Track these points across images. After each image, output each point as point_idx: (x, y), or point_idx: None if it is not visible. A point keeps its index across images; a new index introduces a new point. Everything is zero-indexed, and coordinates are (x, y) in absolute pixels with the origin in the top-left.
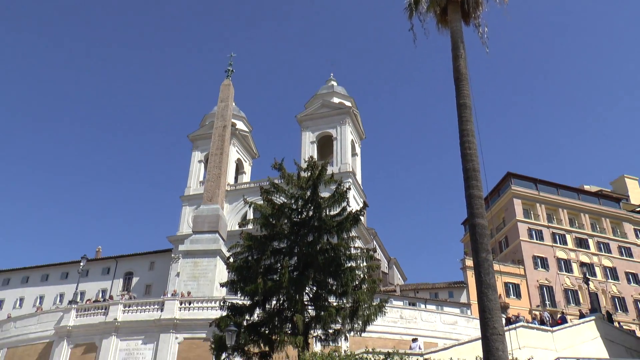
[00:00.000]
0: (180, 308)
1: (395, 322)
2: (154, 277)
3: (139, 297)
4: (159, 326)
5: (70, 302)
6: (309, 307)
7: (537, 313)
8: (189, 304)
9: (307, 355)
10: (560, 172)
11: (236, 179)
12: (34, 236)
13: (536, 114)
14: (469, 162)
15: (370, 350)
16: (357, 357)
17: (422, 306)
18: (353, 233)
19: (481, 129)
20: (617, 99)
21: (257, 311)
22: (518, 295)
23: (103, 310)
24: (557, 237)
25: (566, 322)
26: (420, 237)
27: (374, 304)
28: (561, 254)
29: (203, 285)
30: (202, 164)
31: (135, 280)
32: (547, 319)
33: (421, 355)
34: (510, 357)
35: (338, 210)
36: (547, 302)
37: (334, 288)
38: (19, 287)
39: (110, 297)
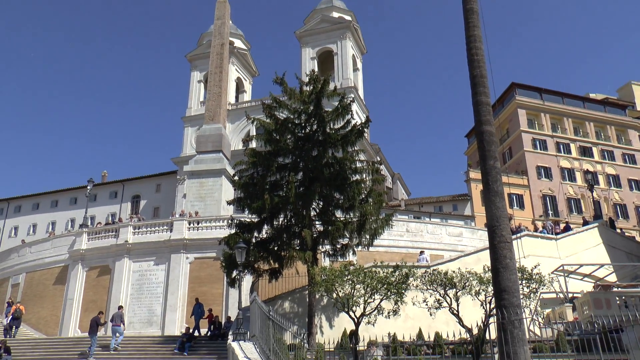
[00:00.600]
0: (189, 228)
1: (401, 235)
2: (161, 200)
3: (148, 220)
4: (169, 247)
5: (81, 226)
6: (317, 222)
7: (540, 223)
8: (197, 224)
9: (316, 270)
10: (566, 81)
11: (237, 98)
12: (41, 163)
13: (541, 22)
14: (476, 69)
15: (379, 263)
16: (365, 270)
17: (427, 220)
18: (357, 147)
19: (487, 38)
20: (624, 3)
21: (265, 228)
22: (521, 205)
23: (114, 233)
24: (562, 146)
25: (570, 230)
26: (424, 152)
27: (381, 217)
28: (565, 163)
29: (210, 205)
30: (202, 84)
31: (142, 203)
32: (550, 227)
33: (428, 267)
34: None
35: (342, 123)
36: (550, 212)
37: (340, 202)
38: (30, 213)
39: (120, 220)
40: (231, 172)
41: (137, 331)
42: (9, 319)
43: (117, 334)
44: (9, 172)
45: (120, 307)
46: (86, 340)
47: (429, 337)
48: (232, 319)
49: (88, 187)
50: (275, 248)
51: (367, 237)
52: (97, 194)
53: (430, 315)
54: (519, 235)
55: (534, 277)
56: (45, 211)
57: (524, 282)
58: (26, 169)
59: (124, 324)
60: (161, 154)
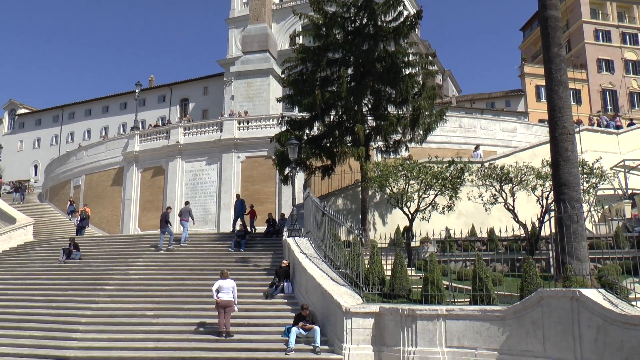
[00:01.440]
0: (239, 128)
1: (454, 131)
2: (209, 102)
3: (197, 121)
4: (220, 146)
5: (132, 129)
6: (369, 118)
7: (596, 118)
8: (247, 123)
9: (369, 165)
10: None
11: None
12: (91, 71)
13: None
14: None
15: (435, 157)
16: (420, 165)
17: (480, 115)
18: (409, 41)
19: None
20: None
21: (316, 125)
22: (578, 101)
23: (165, 135)
24: (628, 37)
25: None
26: (474, 48)
27: (434, 112)
28: (630, 55)
29: (258, 105)
30: None
31: (191, 106)
32: (606, 122)
33: (482, 162)
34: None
35: (393, 15)
36: (609, 107)
37: (392, 97)
38: (84, 119)
39: (169, 122)
40: (278, 71)
41: (194, 229)
42: (78, 219)
43: (185, 229)
44: (62, 80)
45: (187, 203)
46: (147, 237)
47: (481, 233)
48: (286, 216)
49: (136, 90)
50: (327, 144)
51: (421, 132)
52: (146, 98)
53: (486, 210)
54: (577, 129)
55: (594, 171)
56: (98, 117)
57: (583, 176)
58: (78, 76)
59: (192, 219)
60: (207, 57)
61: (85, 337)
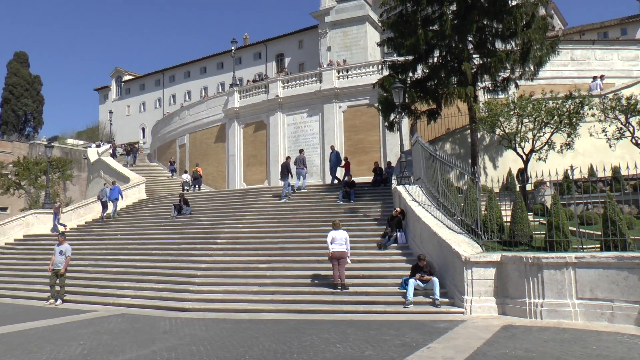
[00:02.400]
0: (339, 77)
1: (565, 65)
2: (305, 55)
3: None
4: (320, 97)
5: (231, 86)
6: (474, 56)
7: None
8: (347, 72)
9: (479, 105)
10: None
11: None
12: (188, 33)
13: None
14: None
15: (548, 93)
16: (533, 102)
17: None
18: None
19: None
20: None
21: (419, 67)
22: None
23: (264, 89)
24: None
25: None
26: None
27: (546, 43)
28: None
29: (356, 53)
30: None
31: (287, 60)
32: None
33: (601, 95)
34: None
35: None
36: None
37: (499, 31)
38: (183, 81)
39: (266, 77)
40: (375, 17)
41: (298, 182)
42: (190, 178)
43: (302, 177)
44: (162, 44)
45: (301, 151)
46: (253, 191)
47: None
48: (393, 164)
49: (232, 48)
50: (432, 87)
51: (531, 67)
52: (242, 56)
53: (610, 147)
54: None
55: None
56: (196, 78)
57: None
58: (176, 40)
59: (305, 167)
60: (299, 11)
61: (201, 290)
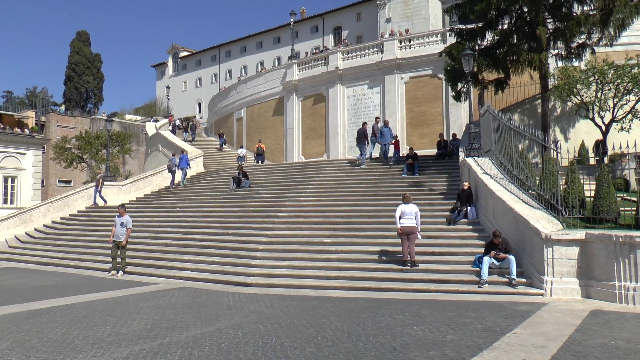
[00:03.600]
0: (401, 47)
1: None
2: (363, 28)
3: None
4: (382, 68)
5: (290, 58)
6: (547, 21)
7: None
8: (409, 42)
9: (553, 72)
10: None
11: None
12: (245, 7)
13: None
14: None
15: (634, 59)
16: (615, 67)
17: None
18: None
19: None
20: None
21: (488, 35)
22: None
23: (323, 61)
24: None
25: None
26: None
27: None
28: None
29: (417, 24)
30: None
31: (344, 34)
32: None
33: None
34: None
35: None
36: None
37: None
38: (239, 57)
39: (325, 48)
40: None
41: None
42: (245, 152)
43: (373, 145)
44: (218, 20)
45: (377, 119)
46: (313, 164)
47: None
48: (458, 136)
49: (291, 20)
50: (501, 55)
51: (611, 30)
52: (299, 30)
53: None
54: None
55: None
56: (253, 53)
57: None
58: (233, 15)
59: (391, 135)
60: None
61: (263, 264)
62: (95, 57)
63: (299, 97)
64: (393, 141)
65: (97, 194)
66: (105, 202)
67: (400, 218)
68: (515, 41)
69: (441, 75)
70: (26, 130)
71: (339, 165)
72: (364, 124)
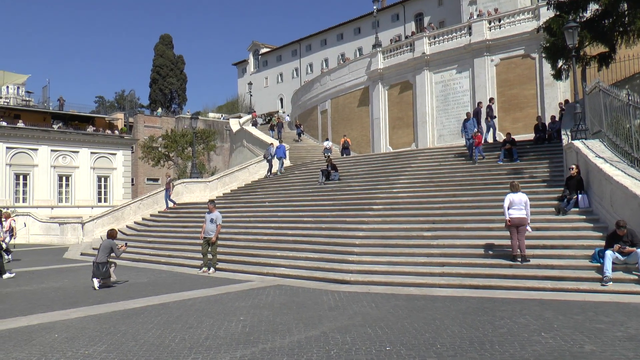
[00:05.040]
0: (490, 28)
1: None
2: (445, 12)
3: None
4: (470, 51)
5: (374, 47)
6: None
7: None
8: (499, 22)
9: None
10: None
11: None
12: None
13: None
14: None
15: None
16: None
17: None
18: None
19: None
20: None
21: (592, 5)
22: None
23: (409, 48)
24: None
25: None
26: None
27: None
28: None
29: (505, 3)
30: None
31: (426, 20)
32: None
33: None
34: None
35: None
36: None
37: None
38: (320, 50)
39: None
40: None
41: (448, 143)
42: (331, 145)
43: (492, 129)
44: (297, 14)
45: (479, 102)
46: (403, 154)
47: None
48: (556, 118)
49: (375, 7)
50: (607, 26)
51: None
52: (379, 19)
53: None
54: None
55: None
56: (333, 45)
57: None
58: (311, 8)
59: (475, 127)
60: None
61: (361, 260)
62: (178, 59)
63: (385, 86)
64: (475, 136)
65: (168, 197)
66: (175, 203)
67: (508, 208)
68: (628, 8)
69: (534, 55)
70: (116, 132)
71: (431, 155)
72: (479, 103)
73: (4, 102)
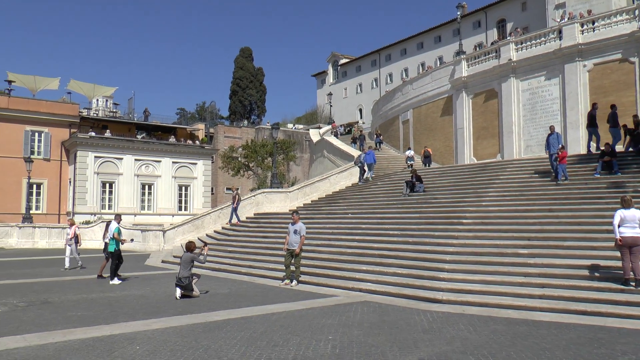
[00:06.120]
0: (582, 31)
1: None
2: (529, 18)
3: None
4: (560, 56)
5: (457, 54)
6: None
7: None
8: (592, 24)
9: None
10: None
11: None
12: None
13: None
14: None
15: None
16: None
17: None
18: None
19: None
20: None
21: None
22: None
23: (494, 54)
24: None
25: None
26: None
27: None
28: None
29: (596, 5)
30: None
31: (508, 26)
32: None
33: None
34: None
35: None
36: None
37: None
38: (399, 59)
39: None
40: None
41: (536, 154)
42: (413, 153)
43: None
44: (376, 24)
45: (594, 103)
46: (491, 165)
47: None
48: None
49: (458, 13)
50: None
51: None
52: (460, 27)
53: None
54: None
55: None
56: (413, 54)
57: None
58: (390, 18)
59: (559, 142)
60: None
61: (453, 278)
62: (257, 71)
63: (469, 95)
64: (560, 153)
65: (234, 211)
66: (239, 219)
67: (619, 226)
68: None
69: (633, 59)
70: (197, 142)
71: (520, 166)
72: (594, 104)
73: (93, 113)
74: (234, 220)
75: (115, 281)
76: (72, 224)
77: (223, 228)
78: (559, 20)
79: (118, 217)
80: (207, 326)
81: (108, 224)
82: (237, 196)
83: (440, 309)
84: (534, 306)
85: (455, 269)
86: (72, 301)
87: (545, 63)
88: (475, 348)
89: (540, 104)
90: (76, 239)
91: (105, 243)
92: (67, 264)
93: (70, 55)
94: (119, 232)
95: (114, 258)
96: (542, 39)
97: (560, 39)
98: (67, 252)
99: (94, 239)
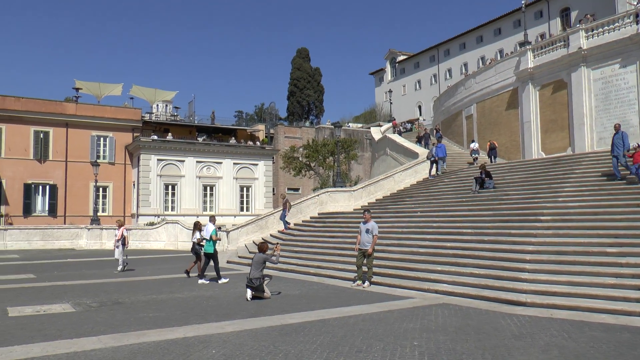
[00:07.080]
0: None
1: None
2: (595, 5)
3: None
4: (637, 42)
5: (522, 45)
6: None
7: None
8: None
9: None
10: None
11: None
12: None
13: None
14: None
15: None
16: None
17: None
18: None
19: None
20: None
21: None
22: None
23: (562, 43)
24: None
25: None
26: None
27: None
28: None
29: None
30: None
31: (573, 14)
32: None
33: None
34: None
35: None
36: None
37: None
38: (459, 54)
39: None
40: None
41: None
42: (477, 146)
43: None
44: (434, 18)
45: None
46: (563, 159)
47: None
48: None
49: (522, 2)
50: None
51: None
52: (520, 18)
53: None
54: None
55: None
56: (472, 48)
57: None
58: (448, 11)
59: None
60: None
61: (536, 279)
62: (314, 71)
63: (535, 86)
64: (631, 152)
65: (283, 218)
66: (288, 224)
67: None
68: None
69: None
70: (257, 143)
71: (597, 159)
72: None
73: (155, 117)
74: (283, 226)
75: (204, 280)
76: (120, 225)
77: (287, 228)
78: (635, 3)
79: (213, 219)
80: (282, 329)
81: (196, 225)
82: (287, 202)
83: (526, 312)
84: (632, 310)
85: (537, 269)
86: (143, 302)
87: (620, 50)
88: (576, 357)
89: (614, 93)
90: (123, 240)
91: (193, 243)
92: (120, 267)
93: (130, 61)
94: (216, 233)
95: (210, 258)
96: (616, 24)
97: (637, 24)
98: (116, 254)
99: (159, 240)
